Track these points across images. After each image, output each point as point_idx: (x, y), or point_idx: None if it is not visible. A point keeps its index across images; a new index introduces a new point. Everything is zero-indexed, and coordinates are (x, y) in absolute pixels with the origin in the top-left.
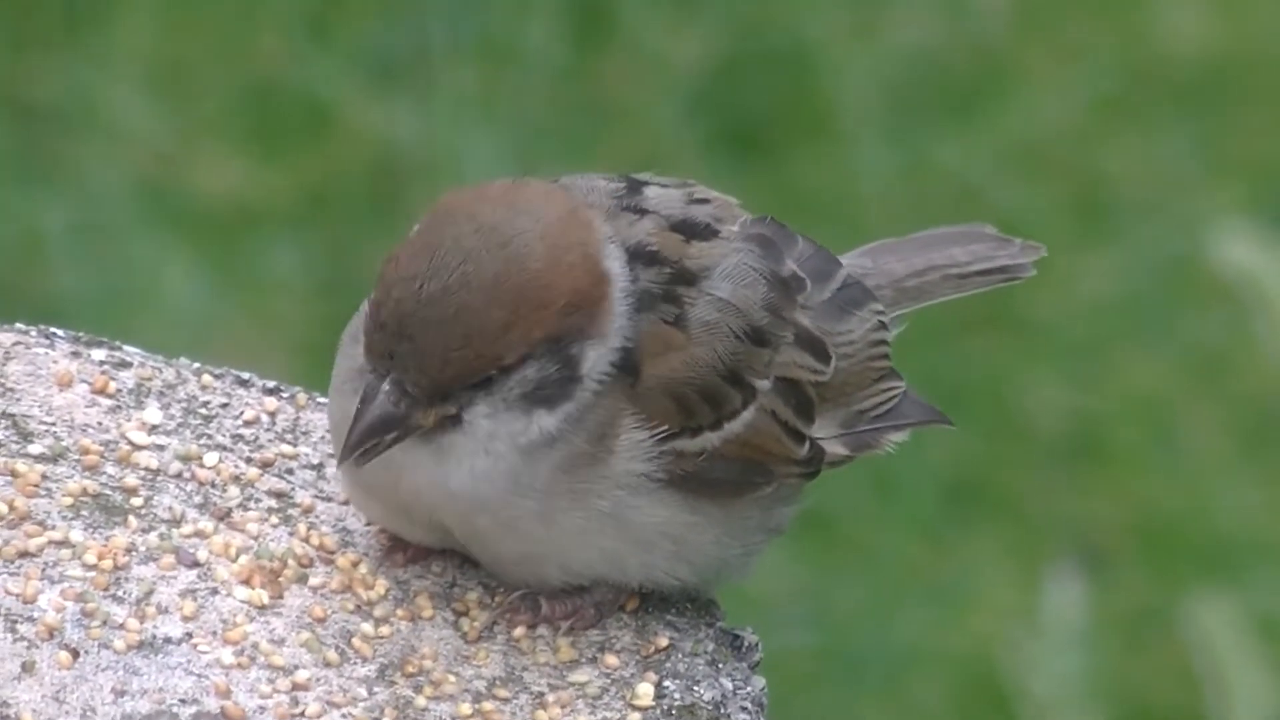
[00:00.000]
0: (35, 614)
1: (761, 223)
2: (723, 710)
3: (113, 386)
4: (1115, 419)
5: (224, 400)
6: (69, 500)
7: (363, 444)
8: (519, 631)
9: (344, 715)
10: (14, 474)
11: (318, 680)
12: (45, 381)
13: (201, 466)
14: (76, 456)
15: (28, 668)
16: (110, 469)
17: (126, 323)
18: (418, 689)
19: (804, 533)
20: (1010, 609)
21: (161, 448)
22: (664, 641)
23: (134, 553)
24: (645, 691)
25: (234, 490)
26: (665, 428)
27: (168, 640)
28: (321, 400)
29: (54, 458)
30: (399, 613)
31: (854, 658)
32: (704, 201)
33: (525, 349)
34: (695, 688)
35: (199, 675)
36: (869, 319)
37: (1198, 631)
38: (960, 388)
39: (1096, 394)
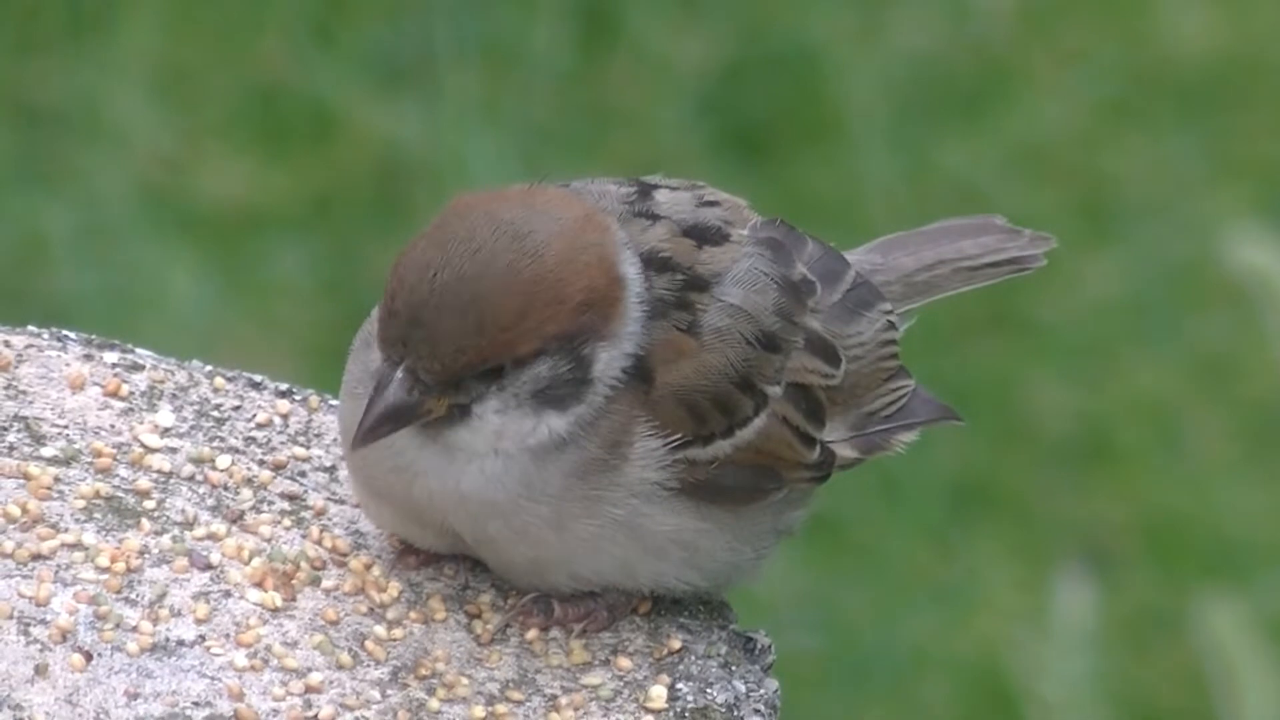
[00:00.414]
0: (48, 617)
1: (771, 225)
2: (736, 712)
3: (125, 389)
4: (1121, 421)
5: (236, 403)
6: (81, 503)
7: (376, 431)
8: (532, 634)
9: (357, 718)
10: (27, 477)
11: (331, 683)
12: (58, 384)
13: (214, 469)
14: (89, 459)
15: (41, 670)
16: (123, 472)
17: (132, 326)
18: (431, 691)
19: (811, 536)
20: (1017, 611)
21: (174, 450)
22: (677, 644)
23: (147, 555)
24: (658, 694)
25: (247, 493)
26: (679, 436)
27: (181, 643)
28: (334, 403)
29: (66, 460)
30: (412, 615)
31: (861, 660)
32: (714, 204)
33: (539, 343)
34: (708, 690)
35: (212, 678)
36: (878, 319)
37: (1205, 633)
38: (966, 390)
39: (1103, 396)
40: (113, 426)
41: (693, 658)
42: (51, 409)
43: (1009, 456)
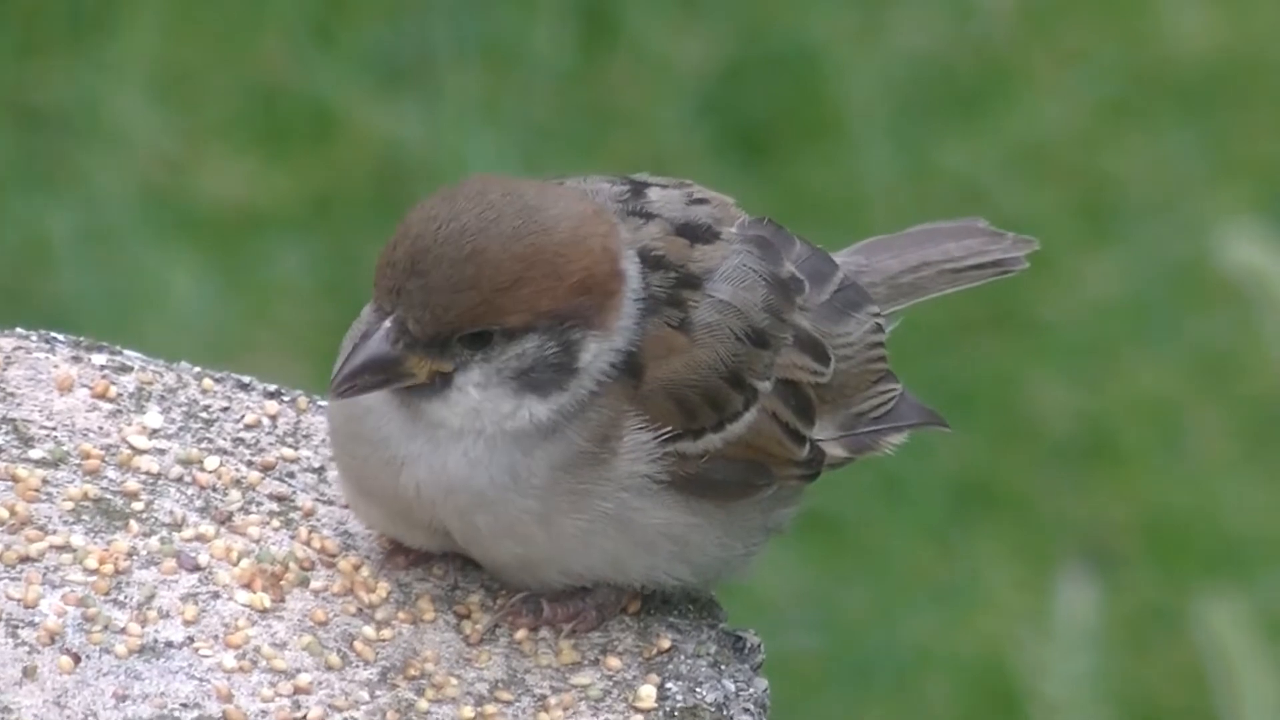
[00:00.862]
0: (37, 619)
1: (760, 224)
2: (725, 712)
3: (113, 391)
4: (1122, 420)
5: (225, 404)
6: (70, 505)
7: (354, 380)
8: (521, 634)
9: (346, 718)
10: (15, 479)
11: (320, 684)
12: (46, 386)
13: (202, 470)
14: (77, 461)
15: (29, 673)
16: (111, 473)
17: (133, 327)
18: (420, 692)
19: (812, 536)
20: (1018, 610)
21: (162, 452)
22: (666, 643)
23: (135, 557)
24: (647, 693)
25: (235, 494)
26: (669, 429)
27: (169, 644)
28: (322, 404)
29: (55, 462)
30: (401, 616)
31: (862, 660)
32: (703, 202)
33: (530, 316)
34: (698, 689)
35: (200, 679)
36: (866, 321)
37: (1206, 632)
38: (967, 389)
39: (1103, 395)
40: (101, 428)
41: (682, 657)
42: (40, 411)
43: (1010, 456)
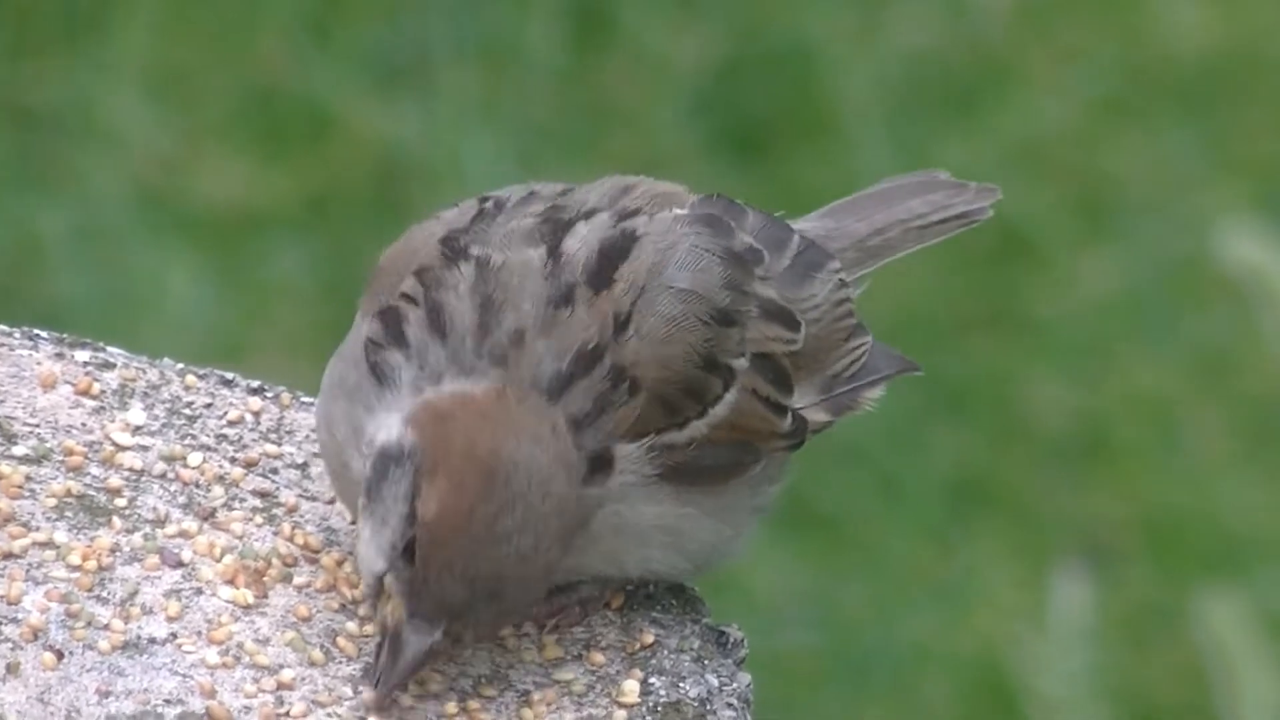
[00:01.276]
0: (19, 615)
1: (708, 202)
2: (709, 706)
3: (96, 388)
4: (1120, 418)
5: (208, 400)
6: (53, 501)
7: (404, 682)
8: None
9: (329, 714)
10: None
11: (303, 679)
12: (29, 383)
13: (186, 467)
14: (60, 458)
15: (12, 669)
16: (94, 470)
17: (129, 328)
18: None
19: (809, 534)
20: (1016, 608)
21: (146, 448)
22: (649, 638)
23: (118, 553)
24: (631, 688)
25: (218, 490)
26: (651, 433)
27: (152, 641)
28: (306, 400)
29: (38, 459)
30: None
31: (860, 658)
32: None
33: None
34: (681, 684)
35: (184, 675)
36: (829, 279)
37: (1205, 630)
38: (964, 387)
39: (1101, 393)
40: (84, 425)
41: (665, 652)
42: (23, 408)
43: (1008, 454)
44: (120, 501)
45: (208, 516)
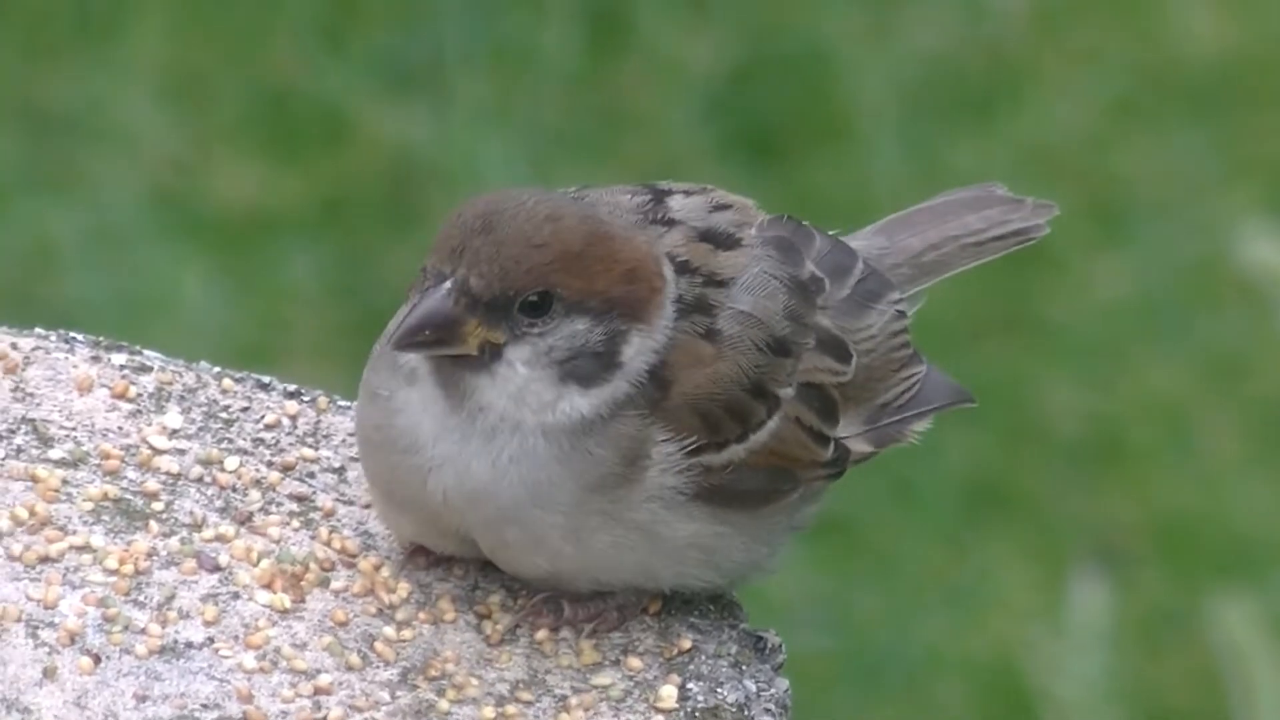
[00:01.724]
0: (56, 619)
1: (779, 223)
2: (746, 712)
3: (133, 391)
4: (1133, 421)
5: (245, 404)
6: (90, 505)
7: (413, 336)
8: (541, 634)
9: (366, 719)
10: (34, 479)
11: (340, 684)
12: (65, 386)
13: (222, 470)
14: (97, 461)
15: (49, 673)
16: (131, 473)
17: (142, 331)
18: (440, 692)
19: (824, 537)
20: (1030, 611)
21: (182, 452)
22: (687, 644)
23: (155, 557)
24: (668, 694)
25: (255, 494)
26: (693, 439)
27: (189, 645)
28: (343, 404)
29: (74, 463)
30: (421, 616)
31: (874, 661)
32: (725, 208)
33: (587, 291)
34: (719, 690)
35: (221, 680)
36: (887, 310)
37: (1219, 632)
38: (978, 391)
39: (1114, 396)
40: (120, 428)
41: (703, 657)
42: (59, 411)
43: (1021, 457)
44: (157, 505)
45: (245, 520)
